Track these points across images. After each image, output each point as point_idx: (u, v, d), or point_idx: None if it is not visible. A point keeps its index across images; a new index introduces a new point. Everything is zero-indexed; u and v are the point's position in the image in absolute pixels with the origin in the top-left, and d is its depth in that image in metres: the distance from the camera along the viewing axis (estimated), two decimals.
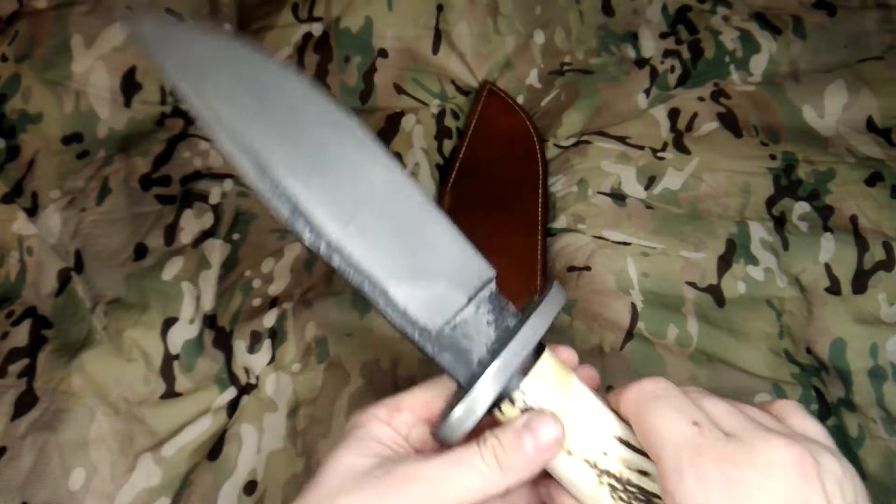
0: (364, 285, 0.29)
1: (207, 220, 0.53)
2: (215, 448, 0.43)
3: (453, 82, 0.60)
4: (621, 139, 0.56)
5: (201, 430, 0.45)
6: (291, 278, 0.50)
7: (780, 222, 0.52)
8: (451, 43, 0.60)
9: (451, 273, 0.30)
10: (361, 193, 0.29)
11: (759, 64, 0.59)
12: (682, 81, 0.59)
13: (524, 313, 0.30)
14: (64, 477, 0.43)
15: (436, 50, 0.60)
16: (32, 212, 0.53)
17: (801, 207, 0.52)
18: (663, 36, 0.61)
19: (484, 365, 0.29)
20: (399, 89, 0.59)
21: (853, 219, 0.52)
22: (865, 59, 0.59)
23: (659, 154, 0.55)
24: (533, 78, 0.61)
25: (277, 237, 0.52)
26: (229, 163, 0.29)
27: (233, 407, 0.45)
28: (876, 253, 0.50)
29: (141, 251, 0.52)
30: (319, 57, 0.59)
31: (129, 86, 0.58)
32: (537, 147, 0.56)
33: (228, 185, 0.54)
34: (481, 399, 0.28)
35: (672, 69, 0.59)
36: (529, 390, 0.29)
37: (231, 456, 0.43)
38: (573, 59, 0.61)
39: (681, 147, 0.55)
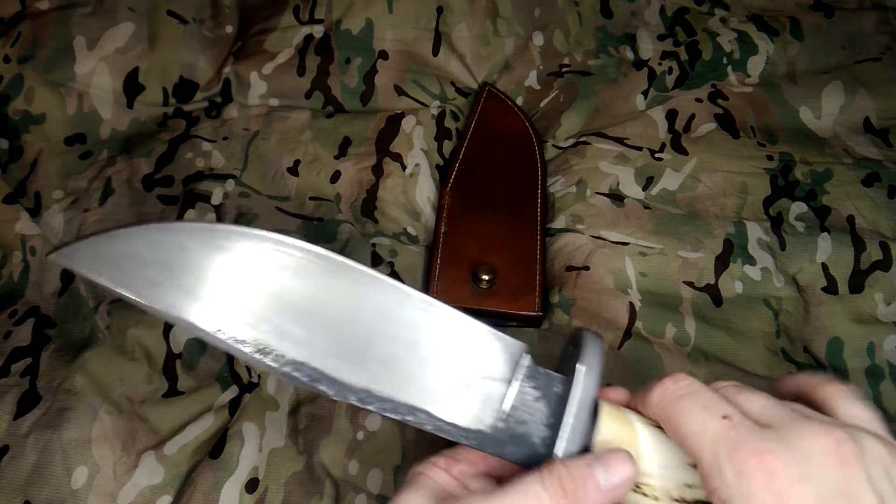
0: (408, 419, 0.28)
1: (209, 221, 0.53)
2: (217, 446, 0.44)
3: (453, 84, 0.60)
4: (620, 140, 0.56)
5: (203, 428, 0.45)
6: None
7: (777, 222, 0.52)
8: (451, 45, 0.61)
9: (481, 367, 0.29)
10: (365, 327, 0.28)
11: (756, 65, 0.60)
12: (679, 83, 0.59)
13: (567, 373, 0.30)
14: (66, 475, 0.43)
15: (436, 52, 0.61)
16: (35, 212, 0.53)
17: (799, 208, 0.53)
18: (661, 38, 0.61)
19: (549, 444, 0.29)
20: (399, 91, 0.59)
21: (850, 219, 0.52)
22: (863, 61, 0.59)
23: (657, 155, 0.56)
24: (532, 79, 0.61)
25: None
26: (222, 349, 0.28)
27: (234, 405, 0.46)
28: (873, 253, 0.50)
29: None
30: (320, 59, 0.60)
31: (132, 87, 0.58)
32: (536, 148, 0.57)
33: (230, 185, 0.55)
34: None
35: (670, 70, 0.59)
36: (603, 447, 0.29)
37: (233, 454, 0.43)
38: (572, 60, 0.61)
39: (679, 148, 0.56)
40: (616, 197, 0.54)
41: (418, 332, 0.29)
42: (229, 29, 0.62)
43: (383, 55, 0.60)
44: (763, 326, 0.48)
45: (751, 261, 0.51)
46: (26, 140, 0.56)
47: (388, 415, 0.28)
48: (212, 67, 0.60)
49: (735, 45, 0.60)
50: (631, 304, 0.48)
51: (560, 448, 0.27)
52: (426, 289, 0.50)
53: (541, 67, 0.61)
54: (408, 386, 0.28)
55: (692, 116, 0.57)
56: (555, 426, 0.29)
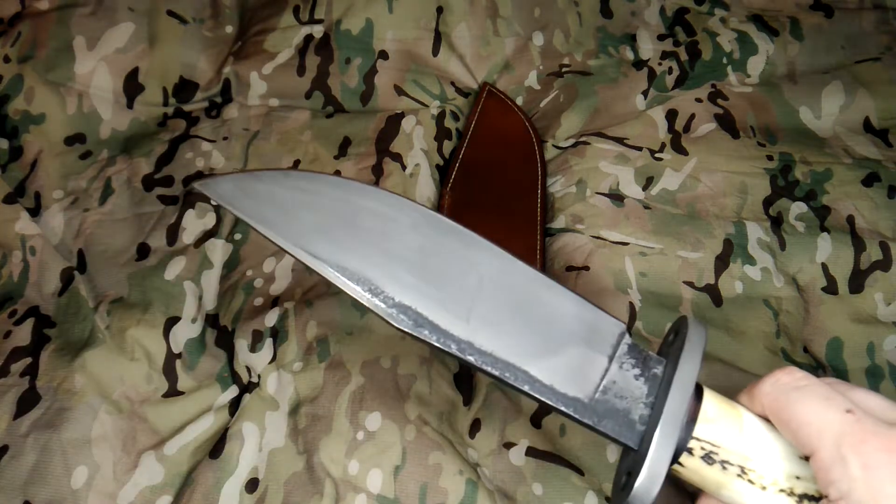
0: (506, 375, 0.29)
1: (209, 221, 0.53)
2: (217, 446, 0.44)
3: (453, 84, 0.60)
4: (619, 140, 0.56)
5: (203, 428, 0.45)
6: (293, 278, 0.50)
7: (777, 222, 0.52)
8: (451, 45, 0.61)
9: (582, 338, 0.29)
10: (472, 285, 0.29)
11: (756, 65, 0.60)
12: (679, 83, 0.59)
13: (669, 356, 0.30)
14: (66, 475, 0.43)
15: (436, 52, 0.61)
16: (35, 212, 0.53)
17: (798, 208, 0.53)
18: (661, 38, 0.62)
19: (647, 422, 0.28)
20: (399, 91, 0.59)
21: (850, 219, 0.52)
22: (862, 61, 0.59)
23: (657, 155, 0.56)
24: (532, 79, 0.61)
25: None
26: (344, 292, 0.30)
27: (234, 405, 0.46)
28: (873, 253, 0.50)
29: (143, 251, 0.52)
30: (320, 59, 0.60)
31: (132, 87, 0.58)
32: (536, 148, 0.57)
33: None
34: (660, 459, 0.27)
35: (670, 70, 0.59)
36: (704, 436, 0.28)
37: (233, 454, 0.43)
38: (572, 60, 0.61)
39: (678, 148, 0.56)
40: (616, 197, 0.54)
41: (523, 299, 0.30)
42: (229, 29, 0.62)
43: (383, 55, 0.60)
44: (763, 326, 0.48)
45: (751, 261, 0.51)
46: (26, 140, 0.56)
47: (487, 368, 0.29)
48: (212, 67, 0.60)
49: (735, 45, 0.60)
50: (631, 304, 0.48)
51: (662, 424, 0.27)
52: None
53: (541, 67, 0.61)
54: (509, 345, 0.29)
55: (692, 116, 0.57)
56: (654, 406, 0.28)
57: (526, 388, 0.29)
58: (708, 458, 0.28)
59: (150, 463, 0.44)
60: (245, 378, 0.47)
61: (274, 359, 0.46)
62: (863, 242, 0.51)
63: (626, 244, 0.51)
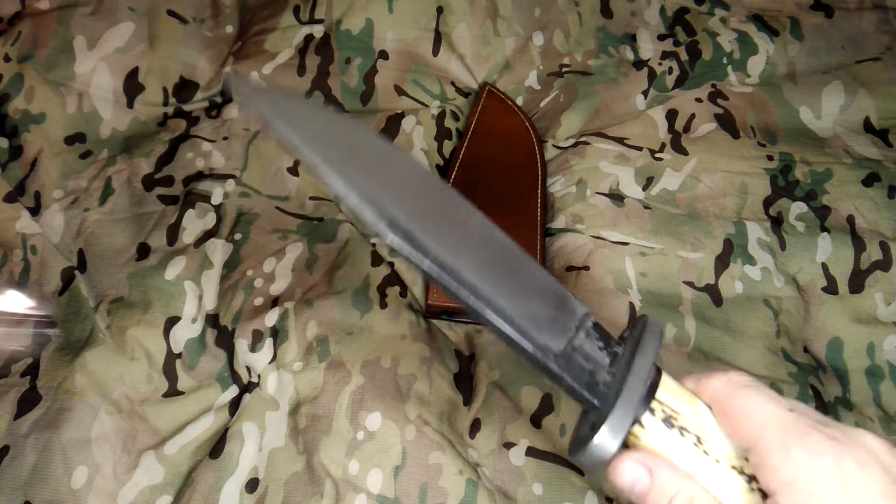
0: (486, 309, 0.30)
1: (210, 221, 0.53)
2: (217, 446, 0.44)
3: (453, 84, 0.60)
4: (619, 140, 0.56)
5: (203, 428, 0.45)
6: (293, 278, 0.50)
7: (777, 222, 0.52)
8: (451, 45, 0.61)
9: (555, 303, 0.31)
10: (461, 230, 0.31)
11: (756, 65, 0.60)
12: (679, 83, 0.59)
13: (628, 343, 0.32)
14: (66, 475, 0.43)
15: (436, 52, 0.61)
16: (36, 211, 0.53)
17: (799, 208, 0.53)
18: (661, 38, 0.61)
19: (609, 386, 0.30)
20: (399, 91, 0.59)
21: (850, 219, 0.52)
22: (863, 61, 0.59)
23: (657, 155, 0.56)
24: (532, 79, 0.61)
25: (279, 237, 0.52)
26: (358, 215, 0.30)
27: (235, 405, 0.46)
28: (873, 253, 0.50)
29: (144, 251, 0.52)
30: (321, 59, 0.60)
31: (132, 87, 0.58)
32: (536, 148, 0.57)
33: (230, 185, 0.55)
34: (623, 414, 0.28)
35: (670, 70, 0.59)
36: (666, 400, 0.30)
37: (233, 454, 0.43)
38: (572, 60, 0.61)
39: (678, 148, 0.56)
40: (616, 197, 0.54)
41: (503, 259, 0.32)
42: (229, 29, 0.62)
43: (383, 55, 0.60)
44: (763, 326, 0.48)
45: (751, 261, 0.51)
46: (26, 139, 0.56)
47: (468, 303, 0.30)
48: (212, 67, 0.60)
49: (735, 45, 0.60)
50: (631, 303, 0.49)
51: (630, 384, 0.29)
52: (426, 289, 0.50)
53: (541, 67, 0.61)
54: (492, 282, 0.31)
55: (692, 116, 0.57)
56: (615, 376, 0.30)
57: (507, 329, 0.30)
58: (667, 421, 0.29)
59: (151, 463, 0.44)
60: (245, 378, 0.47)
61: (274, 359, 0.46)
62: (863, 242, 0.51)
63: (626, 244, 0.51)
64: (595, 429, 0.29)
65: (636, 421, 0.29)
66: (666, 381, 0.30)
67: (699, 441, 0.29)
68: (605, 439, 0.28)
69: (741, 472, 0.29)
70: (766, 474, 0.27)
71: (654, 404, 0.29)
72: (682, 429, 0.30)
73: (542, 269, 0.32)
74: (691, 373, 0.31)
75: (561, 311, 0.31)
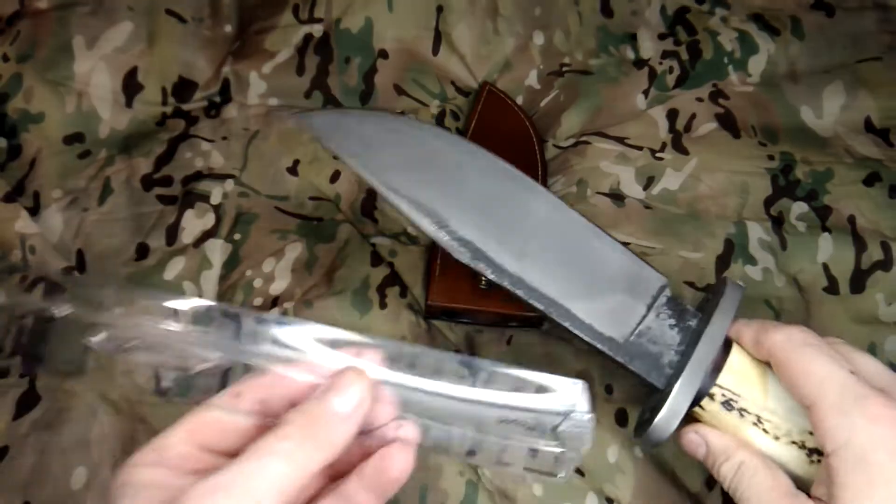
0: (550, 311, 0.32)
1: (209, 221, 0.53)
2: None
3: (453, 83, 0.60)
4: (620, 140, 0.56)
5: None
6: (292, 278, 0.50)
7: (778, 222, 0.52)
8: (451, 44, 0.60)
9: (624, 287, 0.32)
10: (528, 228, 0.33)
11: (757, 65, 0.60)
12: (680, 82, 0.59)
13: (704, 313, 0.32)
14: (66, 476, 0.43)
15: (436, 51, 0.60)
16: (34, 211, 0.53)
17: (799, 207, 0.53)
18: (662, 37, 0.61)
19: (675, 367, 0.31)
20: (399, 90, 0.59)
21: (851, 219, 0.52)
22: (864, 60, 0.59)
23: (657, 154, 0.55)
24: (532, 79, 0.61)
25: (278, 237, 0.52)
26: (411, 223, 0.33)
27: None
28: (874, 253, 0.50)
29: (143, 251, 0.52)
30: (320, 58, 0.59)
31: (131, 86, 0.58)
32: (536, 147, 0.56)
33: (230, 185, 0.55)
34: (682, 398, 0.30)
35: (671, 70, 0.59)
36: (727, 384, 0.30)
37: None
38: (572, 60, 0.61)
39: (679, 147, 0.56)
40: (617, 197, 0.54)
41: (572, 244, 0.33)
42: (228, 28, 0.61)
43: (383, 54, 0.60)
44: None
45: (752, 261, 0.50)
46: (25, 139, 0.56)
47: (533, 302, 0.32)
48: (211, 67, 0.60)
49: (736, 44, 0.60)
50: None
51: (688, 369, 0.30)
52: (426, 289, 0.50)
53: (541, 67, 0.61)
54: (554, 284, 0.32)
55: (693, 116, 0.57)
56: (685, 354, 0.31)
57: (567, 324, 0.32)
58: (727, 404, 0.30)
59: None
60: None
61: None
62: (864, 242, 0.51)
63: (627, 244, 0.51)
64: (655, 412, 0.30)
65: (696, 403, 0.30)
66: (734, 357, 0.31)
67: (759, 420, 0.30)
68: (661, 426, 0.30)
69: (802, 447, 0.30)
70: (822, 434, 0.27)
71: (714, 389, 0.30)
72: (742, 410, 0.31)
73: (615, 245, 0.33)
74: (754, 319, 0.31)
75: (632, 293, 0.32)
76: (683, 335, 0.32)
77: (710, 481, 0.43)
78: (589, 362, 0.46)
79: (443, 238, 0.32)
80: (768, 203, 0.53)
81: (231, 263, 0.51)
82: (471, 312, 0.49)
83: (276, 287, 0.50)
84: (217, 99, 0.59)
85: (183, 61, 0.59)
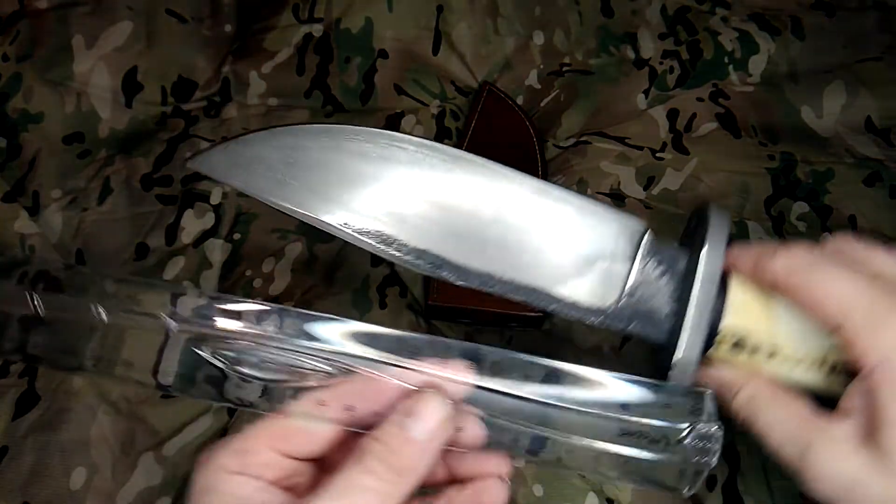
0: (531, 299, 0.29)
1: (208, 220, 0.53)
2: None
3: (453, 83, 0.60)
4: (620, 140, 0.56)
5: (202, 429, 0.45)
6: (292, 278, 0.50)
7: (778, 222, 0.52)
8: (451, 44, 0.60)
9: (602, 246, 0.29)
10: (481, 213, 0.29)
11: (757, 64, 0.60)
12: (681, 82, 0.59)
13: (693, 245, 0.29)
14: (65, 476, 0.43)
15: (436, 51, 0.60)
16: (34, 211, 0.53)
17: (800, 207, 0.53)
18: (662, 37, 0.61)
19: (674, 317, 0.28)
20: (399, 90, 0.59)
21: (851, 219, 0.52)
22: (864, 60, 0.59)
23: (658, 154, 0.55)
24: (532, 79, 0.61)
25: (278, 237, 0.52)
26: (355, 242, 0.29)
27: (233, 407, 0.45)
28: None
29: (142, 251, 0.52)
30: (320, 58, 0.59)
31: (131, 86, 0.58)
32: (537, 147, 0.56)
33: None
34: (690, 355, 0.27)
35: (671, 70, 0.59)
36: (732, 326, 0.28)
37: None
38: (572, 59, 0.61)
39: (680, 147, 0.56)
40: (617, 196, 0.54)
41: (534, 216, 0.29)
42: (228, 28, 0.61)
43: (383, 54, 0.60)
44: None
45: None
46: (24, 138, 0.56)
47: (511, 296, 0.28)
48: (211, 66, 0.60)
49: (736, 44, 0.60)
50: None
51: (689, 320, 0.27)
52: (426, 289, 0.50)
53: (541, 66, 0.61)
54: (528, 268, 0.28)
55: (693, 116, 0.57)
56: (681, 300, 0.28)
57: (553, 307, 0.29)
58: (737, 345, 0.28)
59: (149, 464, 0.43)
60: None
61: None
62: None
63: None
64: (662, 370, 0.28)
65: (704, 351, 0.28)
66: (735, 294, 0.28)
67: (772, 354, 0.29)
68: (675, 381, 0.28)
69: (822, 365, 0.28)
70: (857, 354, 0.25)
71: (720, 333, 0.28)
72: (753, 348, 0.29)
73: (582, 202, 0.29)
74: (759, 243, 0.29)
75: (612, 253, 0.29)
76: (676, 280, 0.29)
77: (712, 482, 0.43)
78: (590, 363, 0.46)
79: (394, 255, 0.28)
80: (769, 203, 0.53)
81: (231, 263, 0.51)
82: (471, 312, 0.49)
83: (276, 287, 0.50)
84: (217, 99, 0.59)
85: (183, 61, 0.59)
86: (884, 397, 0.25)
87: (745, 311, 0.29)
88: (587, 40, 0.62)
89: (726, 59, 0.59)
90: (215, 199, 0.54)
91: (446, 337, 0.49)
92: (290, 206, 0.29)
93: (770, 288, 0.29)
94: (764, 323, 0.29)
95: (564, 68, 0.61)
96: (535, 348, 0.48)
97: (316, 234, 0.53)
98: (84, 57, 0.57)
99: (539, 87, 0.61)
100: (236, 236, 0.52)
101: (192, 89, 0.59)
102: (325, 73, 0.59)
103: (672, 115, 0.57)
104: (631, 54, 0.61)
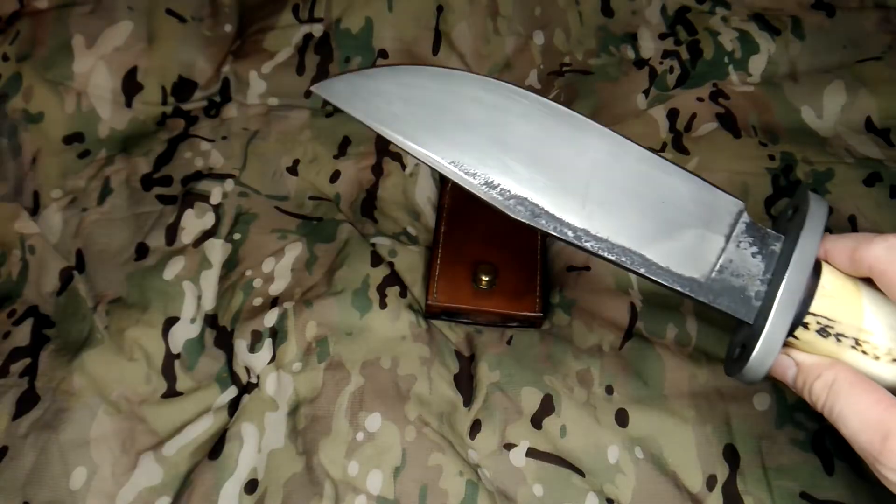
0: (622, 259, 0.29)
1: (208, 220, 0.53)
2: (216, 447, 0.43)
3: None
4: None
5: (202, 429, 0.45)
6: (292, 278, 0.50)
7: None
8: (451, 44, 0.60)
9: (699, 219, 0.30)
10: (584, 171, 0.30)
11: (757, 64, 0.60)
12: (681, 82, 0.59)
13: (788, 232, 0.30)
14: (65, 476, 0.43)
15: (436, 51, 0.60)
16: (34, 211, 0.53)
17: None
18: (662, 37, 0.61)
19: (763, 298, 0.29)
20: None
21: (852, 219, 0.52)
22: (864, 60, 0.59)
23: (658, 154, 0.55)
24: (532, 78, 0.61)
25: (278, 237, 0.52)
26: (453, 179, 0.30)
27: (234, 406, 0.46)
28: None
29: (142, 251, 0.52)
30: (320, 58, 0.59)
31: (131, 86, 0.58)
32: None
33: (229, 185, 0.54)
34: (776, 332, 0.28)
35: (671, 70, 0.59)
36: (820, 311, 0.29)
37: (232, 455, 0.43)
38: (572, 59, 0.61)
39: (680, 147, 0.56)
40: None
41: (637, 181, 0.30)
42: (228, 28, 0.61)
43: (383, 54, 0.60)
44: None
45: None
46: (24, 138, 0.56)
47: (603, 254, 0.29)
48: (211, 66, 0.60)
49: (736, 44, 0.60)
50: (632, 304, 0.48)
51: (777, 301, 0.28)
52: (426, 289, 0.50)
53: (541, 66, 0.61)
54: (624, 228, 0.29)
55: (693, 116, 0.57)
56: (771, 282, 0.29)
57: (642, 270, 0.29)
58: (823, 331, 0.29)
59: (149, 464, 0.43)
60: (244, 378, 0.46)
61: (273, 359, 0.46)
62: None
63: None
64: (748, 348, 0.28)
65: (790, 334, 0.29)
66: (826, 282, 0.29)
67: (857, 343, 0.29)
68: (757, 364, 0.28)
69: None
70: None
71: (808, 318, 0.29)
72: (839, 335, 0.29)
73: (682, 174, 0.30)
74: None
75: (707, 224, 0.29)
76: (768, 262, 0.29)
77: (711, 481, 0.43)
78: (589, 362, 0.46)
79: (496, 199, 0.29)
80: (769, 203, 0.53)
81: (231, 263, 0.51)
82: (471, 312, 0.49)
83: (276, 287, 0.50)
84: (217, 98, 0.59)
85: (183, 61, 0.59)
86: None
87: (834, 297, 0.29)
88: (587, 40, 0.62)
89: (726, 59, 0.59)
90: (215, 199, 0.54)
91: (446, 337, 0.49)
92: (403, 140, 0.30)
93: (866, 275, 0.29)
94: (852, 312, 0.29)
95: (564, 68, 0.61)
96: (534, 348, 0.48)
97: (316, 234, 0.53)
98: (84, 57, 0.57)
99: (539, 86, 0.61)
100: (236, 236, 0.52)
101: (193, 89, 0.59)
102: (326, 72, 0.59)
103: (672, 114, 0.57)
104: (631, 54, 0.61)
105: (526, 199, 0.29)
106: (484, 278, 0.49)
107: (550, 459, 0.43)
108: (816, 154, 0.55)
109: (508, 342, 0.49)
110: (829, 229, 0.47)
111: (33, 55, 0.57)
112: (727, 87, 0.59)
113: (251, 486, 0.43)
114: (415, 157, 0.30)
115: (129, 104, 0.58)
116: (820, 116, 0.57)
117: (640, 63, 0.60)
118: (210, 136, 0.57)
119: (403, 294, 0.50)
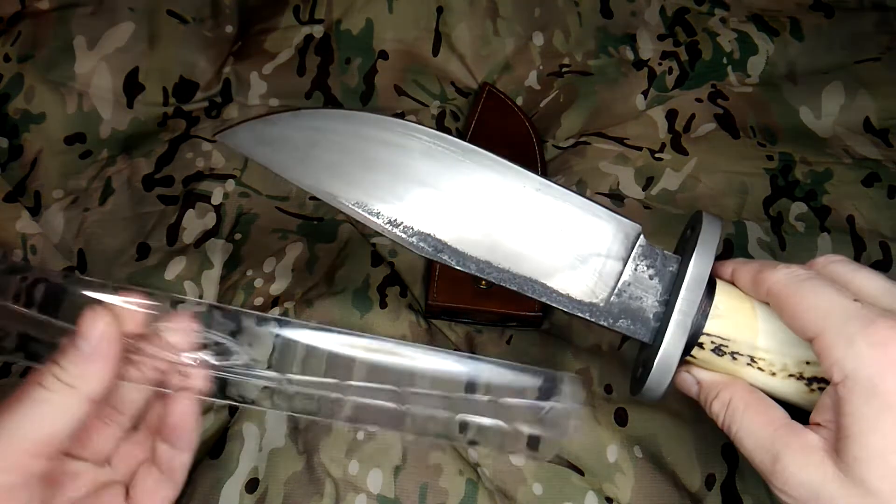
0: (524, 288, 0.30)
1: (210, 220, 0.53)
2: (217, 446, 0.44)
3: (453, 84, 0.60)
4: (620, 140, 0.56)
5: (203, 428, 0.45)
6: (293, 278, 0.50)
7: (777, 222, 0.52)
8: (451, 45, 0.61)
9: (597, 244, 0.31)
10: (485, 204, 0.31)
11: (756, 65, 0.60)
12: (679, 83, 0.59)
13: (684, 253, 0.31)
14: None
15: (436, 52, 0.61)
16: (35, 211, 0.53)
17: (799, 208, 0.53)
18: (661, 38, 0.61)
19: (661, 318, 0.30)
20: (399, 91, 0.59)
21: (850, 219, 0.52)
22: (863, 61, 0.59)
23: (657, 155, 0.56)
24: (532, 79, 0.61)
25: (279, 237, 0.52)
26: (368, 226, 0.31)
27: (234, 405, 0.46)
28: (872, 253, 0.50)
29: (143, 251, 0.52)
30: (321, 59, 0.60)
31: (132, 86, 0.58)
32: (536, 148, 0.57)
33: (230, 185, 0.55)
34: (671, 355, 0.29)
35: (670, 71, 0.59)
36: (715, 331, 0.29)
37: (233, 454, 0.43)
38: (572, 60, 0.61)
39: (679, 148, 0.56)
40: (616, 197, 0.54)
41: (535, 211, 0.31)
42: (229, 29, 0.62)
43: (383, 55, 0.60)
44: None
45: None
46: (26, 139, 0.56)
47: (505, 285, 0.30)
48: (212, 67, 0.60)
49: (735, 45, 0.60)
50: None
51: (674, 320, 0.29)
52: (426, 288, 0.50)
53: (541, 67, 0.61)
54: (525, 259, 0.30)
55: (692, 116, 0.57)
56: (668, 303, 0.30)
57: (544, 299, 0.30)
58: (718, 350, 0.29)
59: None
60: None
61: None
62: (863, 242, 0.51)
63: None
64: (647, 368, 0.29)
65: (687, 352, 0.29)
66: (720, 300, 0.30)
67: (753, 360, 0.30)
68: (654, 385, 0.29)
69: (800, 378, 0.29)
70: (828, 366, 0.26)
71: (703, 338, 0.29)
72: (734, 353, 0.30)
73: (581, 202, 0.31)
74: (751, 260, 0.31)
75: (607, 251, 0.30)
76: (664, 283, 0.30)
77: (710, 481, 0.43)
78: (589, 362, 0.46)
79: (399, 236, 0.30)
80: (767, 203, 0.53)
81: (232, 263, 0.51)
82: (471, 312, 0.49)
83: (277, 287, 0.50)
84: (218, 99, 0.60)
85: (184, 62, 0.59)
86: (848, 411, 0.26)
87: (727, 318, 0.30)
88: (586, 41, 0.62)
89: (725, 60, 0.60)
90: (216, 199, 0.54)
91: (446, 336, 0.49)
92: (308, 184, 0.31)
93: (764, 298, 0.30)
94: (746, 330, 0.30)
95: (564, 69, 0.61)
96: (533, 348, 0.48)
97: (317, 235, 0.53)
98: (86, 58, 0.57)
99: (539, 87, 0.61)
100: (237, 236, 0.53)
101: (194, 90, 0.59)
102: (326, 73, 0.59)
103: (671, 115, 0.57)
104: (630, 55, 0.61)
105: (429, 234, 0.30)
106: (485, 279, 0.49)
107: (550, 458, 0.43)
108: (815, 154, 0.55)
109: (508, 342, 0.49)
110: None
111: (35, 56, 0.57)
112: (726, 87, 0.59)
113: (252, 485, 0.43)
114: (319, 197, 0.30)
115: (130, 105, 0.58)
116: (818, 117, 0.58)
117: (639, 64, 0.60)
118: (211, 138, 0.57)
119: (404, 294, 0.50)
